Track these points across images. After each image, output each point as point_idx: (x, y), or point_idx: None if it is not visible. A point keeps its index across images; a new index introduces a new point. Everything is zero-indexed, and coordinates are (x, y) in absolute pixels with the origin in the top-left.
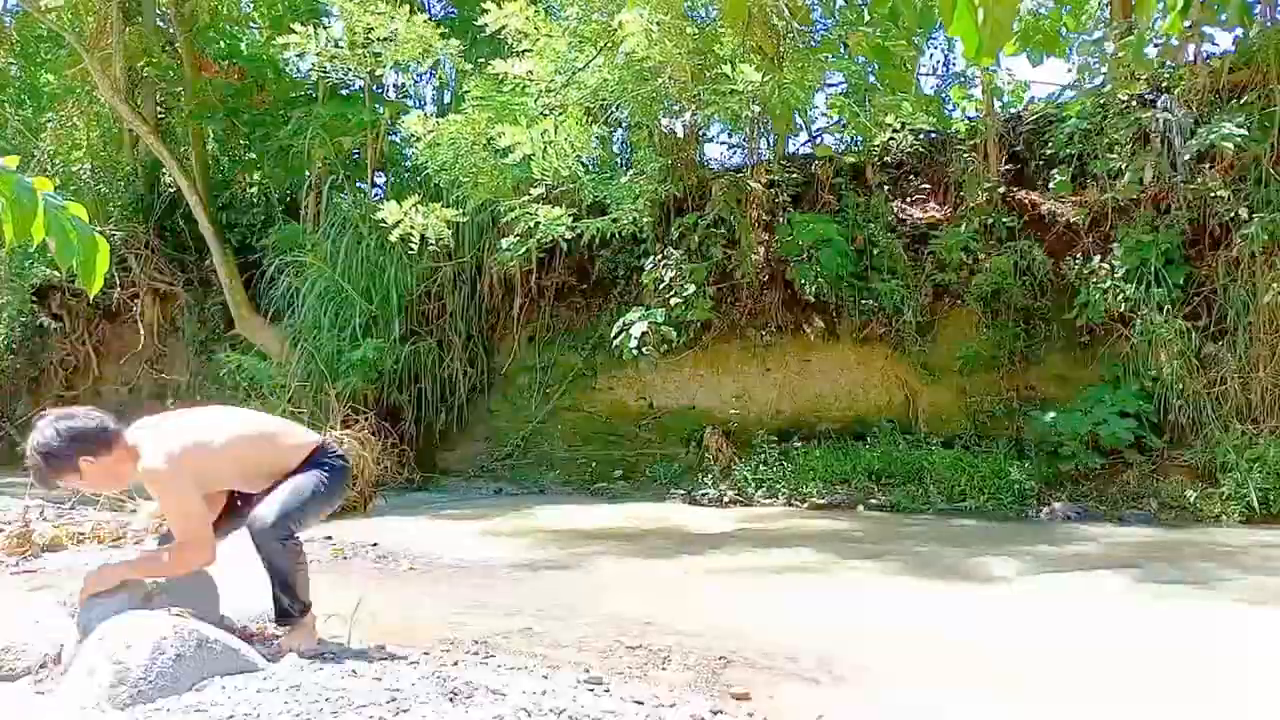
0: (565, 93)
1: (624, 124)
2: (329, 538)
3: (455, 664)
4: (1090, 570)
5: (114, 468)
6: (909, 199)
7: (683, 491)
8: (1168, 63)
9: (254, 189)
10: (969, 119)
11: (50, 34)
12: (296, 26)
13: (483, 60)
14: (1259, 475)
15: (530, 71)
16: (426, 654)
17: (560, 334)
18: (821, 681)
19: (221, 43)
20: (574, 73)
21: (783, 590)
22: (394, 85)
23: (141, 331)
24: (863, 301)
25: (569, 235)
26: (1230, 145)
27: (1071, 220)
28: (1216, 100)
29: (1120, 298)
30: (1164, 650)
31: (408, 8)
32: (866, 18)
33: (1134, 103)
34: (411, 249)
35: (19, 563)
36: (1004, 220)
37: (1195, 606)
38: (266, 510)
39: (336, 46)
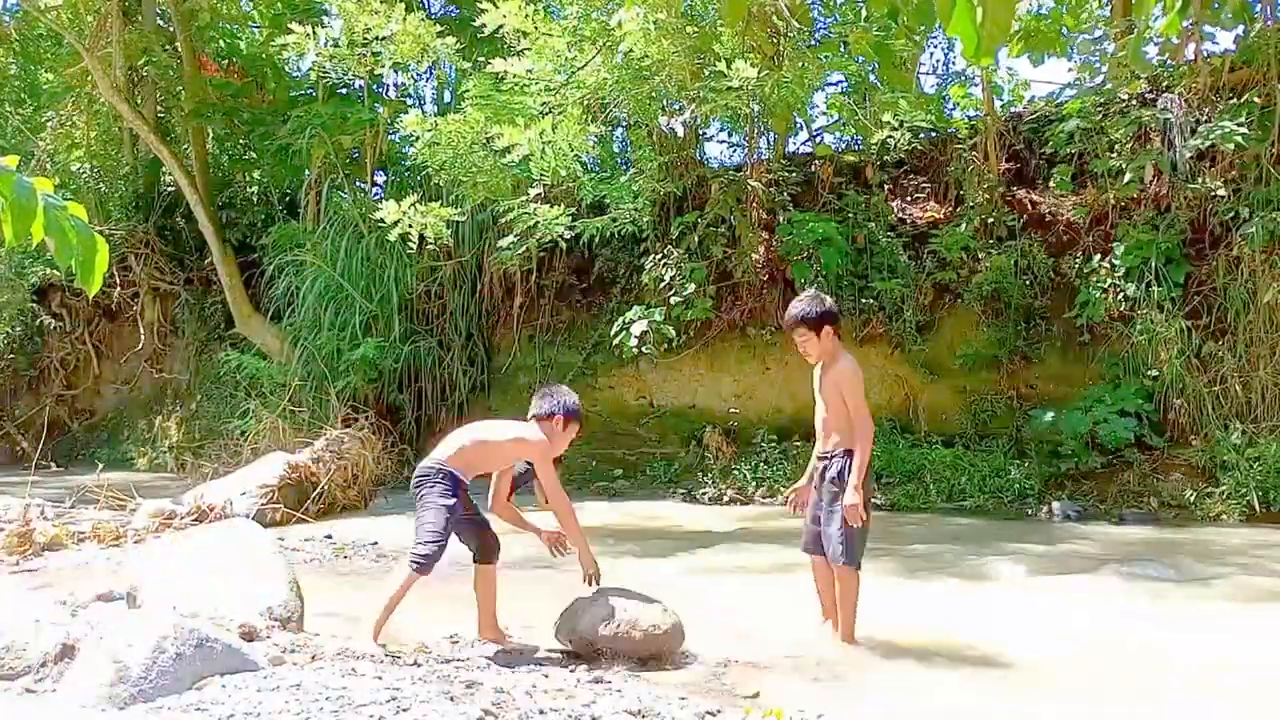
0: (564, 92)
1: (623, 123)
2: (329, 536)
3: (456, 663)
4: (1090, 570)
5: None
6: (909, 198)
7: (683, 490)
8: (1168, 61)
9: (254, 188)
10: (969, 118)
11: (50, 33)
12: (295, 26)
13: (482, 60)
14: (1259, 474)
15: (529, 70)
16: (427, 653)
17: (560, 333)
18: (822, 680)
19: (221, 42)
20: (573, 72)
21: (782, 590)
22: (394, 84)
23: (141, 330)
24: (863, 300)
25: (568, 234)
26: (1231, 144)
27: (1072, 219)
28: (1217, 99)
29: (1120, 297)
30: (1162, 650)
31: (403, 6)
32: (866, 17)
33: (1134, 102)
34: (411, 248)
35: (19, 562)
36: (1004, 219)
37: (1194, 606)
38: None
39: (335, 46)
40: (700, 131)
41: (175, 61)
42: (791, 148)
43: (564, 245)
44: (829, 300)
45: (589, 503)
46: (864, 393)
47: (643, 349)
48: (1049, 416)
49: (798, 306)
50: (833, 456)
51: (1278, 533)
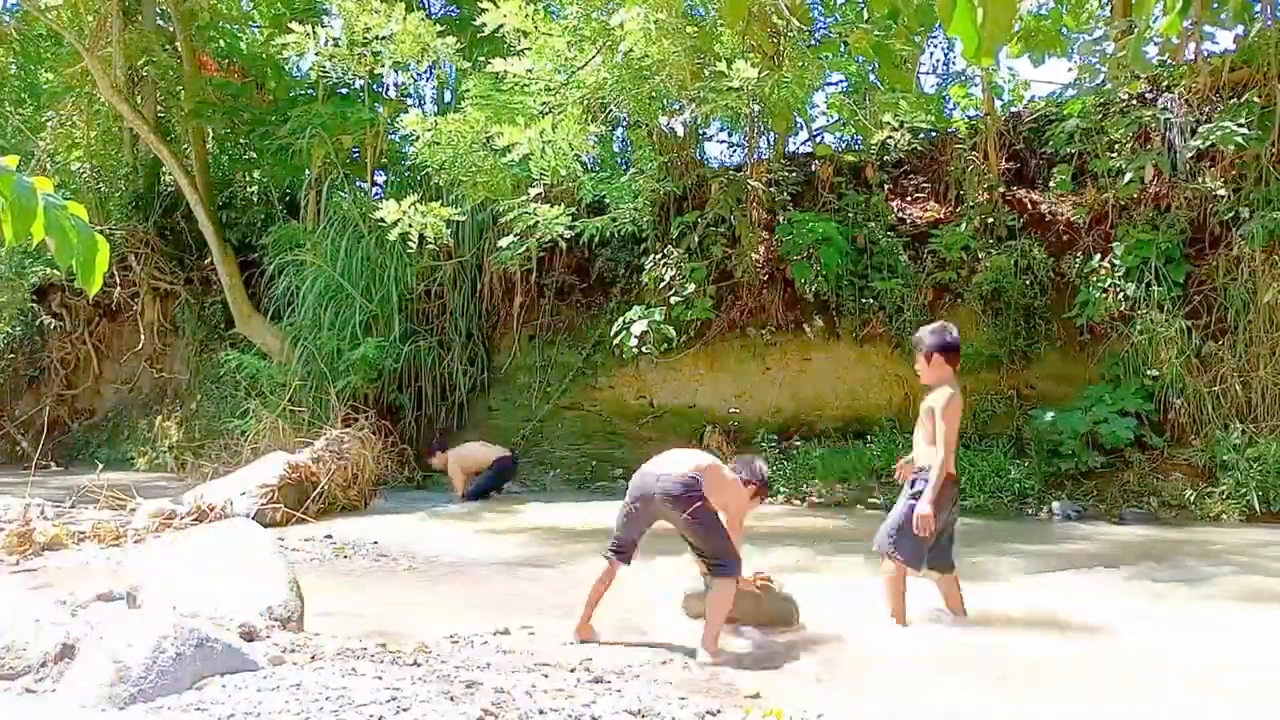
0: (564, 91)
1: (623, 123)
2: (329, 536)
3: (456, 663)
4: (1090, 569)
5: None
6: (909, 198)
7: None
8: (1168, 61)
9: (254, 188)
10: (969, 118)
11: (50, 33)
12: (295, 25)
13: (482, 59)
14: (1259, 474)
15: (529, 70)
16: (427, 653)
17: (560, 333)
18: (823, 680)
19: (221, 41)
20: (573, 71)
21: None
22: (394, 84)
23: (141, 330)
24: (863, 300)
25: (568, 234)
26: (1231, 144)
27: (1072, 219)
28: (1217, 99)
29: (1120, 296)
30: (1162, 650)
31: (403, 6)
32: (866, 16)
33: (1134, 101)
34: (411, 248)
35: (19, 562)
36: (1004, 219)
37: (1194, 606)
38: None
39: (336, 45)
40: (700, 131)
41: (175, 61)
42: (791, 147)
43: (564, 245)
44: (952, 333)
45: (589, 503)
46: (957, 424)
47: (643, 349)
48: (1049, 416)
49: (927, 335)
50: (918, 472)
51: (1278, 532)
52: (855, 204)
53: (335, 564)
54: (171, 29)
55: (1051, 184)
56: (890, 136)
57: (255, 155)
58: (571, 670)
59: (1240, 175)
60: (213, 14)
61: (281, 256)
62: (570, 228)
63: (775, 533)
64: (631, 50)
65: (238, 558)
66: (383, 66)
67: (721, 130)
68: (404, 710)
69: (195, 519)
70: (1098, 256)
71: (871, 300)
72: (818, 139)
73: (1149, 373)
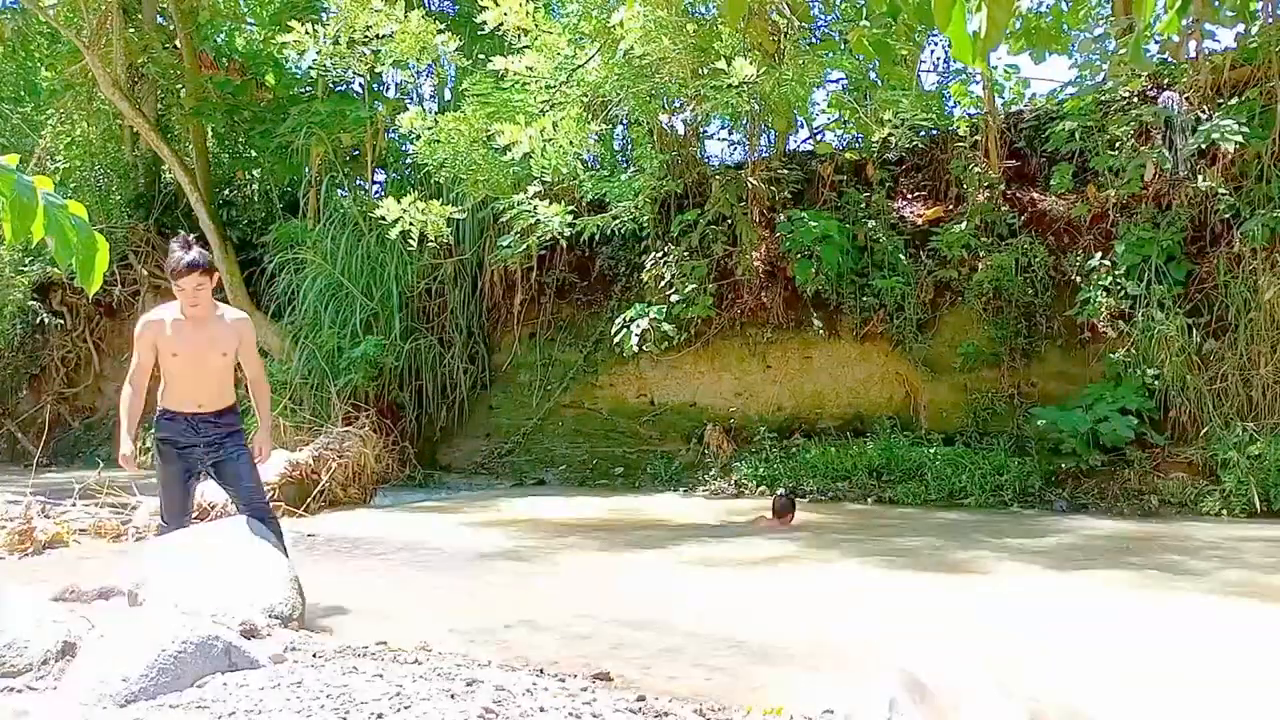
0: (565, 89)
1: (623, 120)
2: (330, 534)
3: (457, 661)
4: (1089, 567)
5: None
6: (910, 196)
7: (683, 488)
8: (1169, 59)
9: (254, 186)
10: (970, 116)
11: (50, 30)
12: (294, 24)
13: (482, 57)
14: (1260, 472)
15: (530, 68)
16: (428, 650)
17: (561, 331)
18: (823, 679)
19: (221, 40)
20: (574, 69)
21: (781, 585)
22: (394, 82)
23: None
24: (863, 298)
25: (568, 232)
26: (1231, 142)
27: (1072, 217)
28: (1218, 97)
29: (1121, 295)
30: (1163, 648)
31: (403, 3)
32: (866, 14)
33: (1135, 99)
34: (411, 246)
35: (20, 559)
36: (1005, 217)
37: (1194, 604)
38: None
39: (335, 44)
40: (701, 129)
41: (175, 59)
42: (792, 145)
43: (564, 243)
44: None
45: (590, 502)
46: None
47: (643, 347)
48: (1050, 414)
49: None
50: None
51: (1278, 530)
52: (856, 202)
53: (336, 562)
54: (171, 27)
55: (1052, 182)
56: (891, 135)
57: (255, 153)
58: (572, 666)
59: (1241, 173)
60: (212, 12)
61: (282, 255)
62: (571, 226)
63: (775, 531)
64: (632, 48)
65: (239, 556)
66: (382, 65)
67: (722, 128)
68: (405, 708)
69: (196, 517)
70: (1098, 255)
71: (872, 298)
72: (818, 137)
73: (1150, 371)
